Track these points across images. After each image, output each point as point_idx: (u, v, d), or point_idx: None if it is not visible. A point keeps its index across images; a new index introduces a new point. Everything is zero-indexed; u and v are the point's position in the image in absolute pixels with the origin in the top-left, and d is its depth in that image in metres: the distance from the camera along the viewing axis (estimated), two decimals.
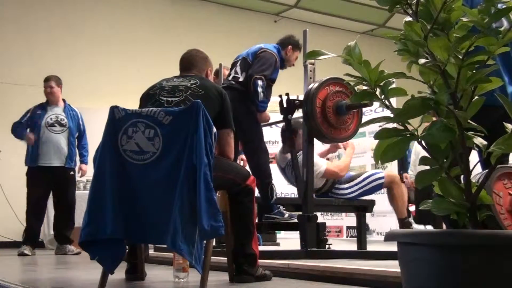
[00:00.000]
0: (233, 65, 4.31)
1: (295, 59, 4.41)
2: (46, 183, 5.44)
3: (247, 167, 4.19)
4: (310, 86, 4.01)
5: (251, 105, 4.10)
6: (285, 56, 4.32)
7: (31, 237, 5.46)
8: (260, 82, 3.99)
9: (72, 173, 5.59)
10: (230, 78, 4.23)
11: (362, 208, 4.52)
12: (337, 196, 4.44)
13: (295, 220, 4.13)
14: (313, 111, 3.91)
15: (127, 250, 2.86)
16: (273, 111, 4.58)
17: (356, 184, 4.43)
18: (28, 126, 5.49)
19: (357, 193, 4.45)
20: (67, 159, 5.50)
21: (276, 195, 4.04)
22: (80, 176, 5.73)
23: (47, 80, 5.64)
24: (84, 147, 5.66)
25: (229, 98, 2.87)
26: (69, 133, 5.53)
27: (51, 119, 5.52)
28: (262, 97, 4.04)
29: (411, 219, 4.62)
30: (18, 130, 5.47)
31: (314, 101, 3.91)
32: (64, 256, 5.27)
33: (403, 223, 4.50)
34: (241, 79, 4.13)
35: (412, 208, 6.94)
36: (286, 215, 4.09)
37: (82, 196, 5.63)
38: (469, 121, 1.35)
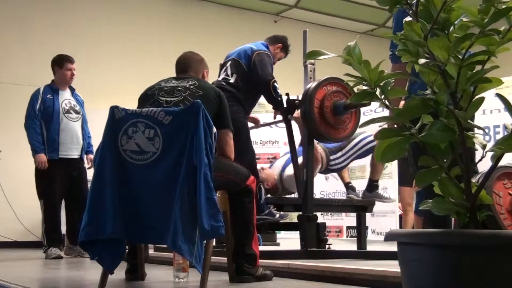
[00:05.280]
0: (223, 65, 4.30)
1: (277, 59, 4.44)
2: (65, 176, 5.05)
3: None
4: (307, 86, 4.02)
5: (240, 107, 4.10)
6: (272, 53, 4.33)
7: (59, 237, 5.09)
8: (276, 84, 4.08)
9: (86, 165, 5.21)
10: (220, 78, 4.21)
11: (362, 208, 4.52)
12: (334, 167, 4.58)
13: (287, 219, 4.15)
14: (311, 111, 3.91)
15: (127, 250, 2.86)
16: (273, 111, 4.59)
17: (348, 151, 4.56)
18: (42, 114, 4.99)
19: (350, 159, 4.59)
20: (82, 150, 5.15)
21: (264, 195, 4.04)
22: (89, 168, 5.23)
23: (72, 61, 5.14)
24: (89, 136, 5.28)
25: None
26: (83, 121, 5.19)
27: (66, 104, 5.09)
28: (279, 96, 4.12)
29: (379, 191, 4.70)
30: (34, 137, 4.94)
31: (312, 102, 3.91)
32: (64, 256, 5.23)
33: (373, 185, 4.62)
34: (231, 81, 4.13)
35: None
36: (277, 216, 4.09)
37: None
38: (469, 121, 1.35)
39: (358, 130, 4.57)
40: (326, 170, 4.62)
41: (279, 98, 4.09)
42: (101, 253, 2.46)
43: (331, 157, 4.52)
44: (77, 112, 5.16)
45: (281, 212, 4.23)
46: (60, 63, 5.17)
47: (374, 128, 4.38)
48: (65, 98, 5.15)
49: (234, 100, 4.06)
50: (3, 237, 6.96)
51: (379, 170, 4.67)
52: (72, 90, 5.27)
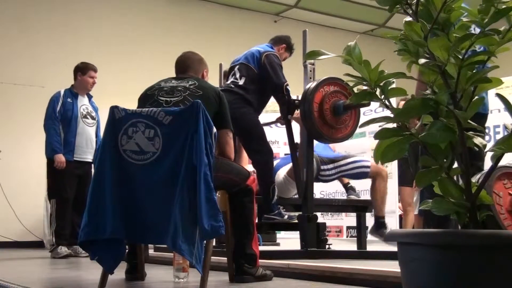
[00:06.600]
0: (230, 70, 4.29)
1: (282, 60, 4.42)
2: (78, 177, 5.18)
3: (247, 167, 4.19)
4: (307, 87, 4.01)
5: (250, 108, 4.11)
6: (277, 53, 4.33)
7: (68, 236, 5.10)
8: (288, 87, 4.11)
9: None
10: (228, 82, 4.22)
11: (362, 208, 4.52)
12: (323, 178, 4.43)
13: (295, 220, 4.12)
14: (311, 112, 3.90)
15: (127, 250, 2.86)
16: (273, 111, 4.58)
17: (340, 166, 4.41)
18: (61, 116, 5.15)
19: (339, 174, 4.45)
20: (94, 154, 5.26)
21: (276, 196, 4.04)
22: None
23: (95, 70, 5.35)
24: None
25: (228, 101, 2.89)
26: (97, 127, 5.37)
27: (83, 110, 5.29)
28: None
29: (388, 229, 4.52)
30: (54, 137, 5.08)
31: (311, 102, 3.91)
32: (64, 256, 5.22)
33: (379, 222, 4.41)
34: (240, 83, 4.14)
35: None
36: (286, 217, 4.09)
37: None
38: (469, 121, 1.35)
39: (356, 151, 4.50)
40: (315, 179, 4.34)
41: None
42: (101, 253, 2.46)
43: (322, 167, 4.36)
44: (93, 118, 5.35)
45: (290, 213, 4.22)
46: (84, 70, 5.36)
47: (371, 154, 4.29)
48: (83, 103, 5.34)
49: (243, 102, 4.06)
50: (3, 237, 6.96)
51: (382, 203, 4.40)
52: (90, 97, 5.44)
